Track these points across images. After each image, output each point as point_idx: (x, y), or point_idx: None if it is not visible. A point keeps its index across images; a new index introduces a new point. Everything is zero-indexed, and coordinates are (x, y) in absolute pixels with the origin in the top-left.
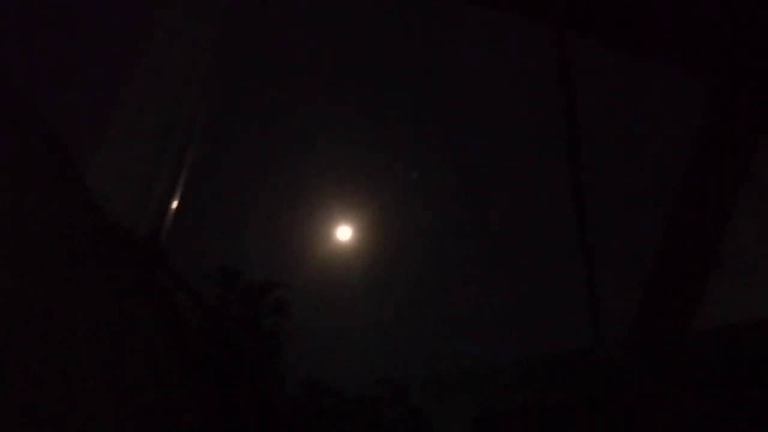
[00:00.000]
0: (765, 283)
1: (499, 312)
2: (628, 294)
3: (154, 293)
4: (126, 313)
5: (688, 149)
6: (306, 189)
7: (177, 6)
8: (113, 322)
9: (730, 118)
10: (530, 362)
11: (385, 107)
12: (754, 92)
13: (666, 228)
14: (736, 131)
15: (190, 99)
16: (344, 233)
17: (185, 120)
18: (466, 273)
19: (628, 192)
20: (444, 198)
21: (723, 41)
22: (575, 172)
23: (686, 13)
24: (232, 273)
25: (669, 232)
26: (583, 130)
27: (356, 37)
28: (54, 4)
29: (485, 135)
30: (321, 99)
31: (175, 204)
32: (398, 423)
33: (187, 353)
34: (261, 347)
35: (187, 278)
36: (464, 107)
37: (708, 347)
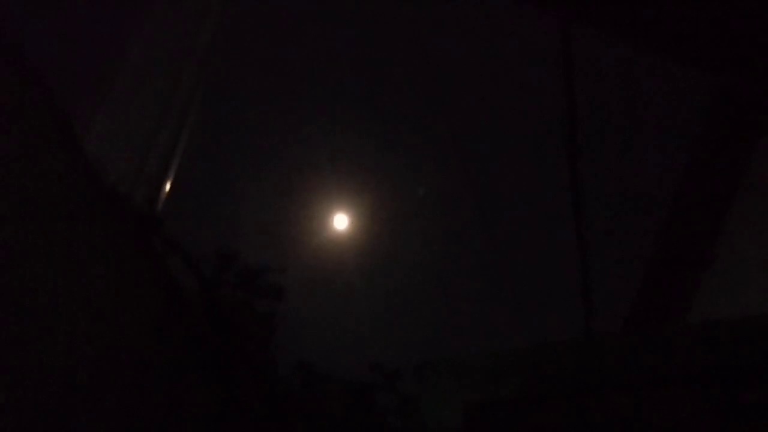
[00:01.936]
0: (760, 281)
1: (493, 300)
2: (623, 285)
3: (149, 258)
4: (121, 277)
5: (688, 146)
6: (304, 176)
7: None
8: (108, 284)
9: (730, 117)
10: (522, 351)
11: (382, 96)
12: (754, 92)
13: (664, 222)
14: (736, 130)
15: (190, 69)
16: (341, 221)
17: (184, 91)
18: (461, 261)
19: (626, 185)
20: (440, 187)
21: (725, 41)
22: (573, 163)
23: (691, 10)
24: (229, 255)
25: (667, 227)
26: (584, 124)
27: (354, 28)
28: None
29: (483, 124)
30: (320, 86)
31: (171, 174)
32: (389, 409)
33: (181, 320)
34: (255, 330)
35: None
36: (462, 96)
37: (701, 341)
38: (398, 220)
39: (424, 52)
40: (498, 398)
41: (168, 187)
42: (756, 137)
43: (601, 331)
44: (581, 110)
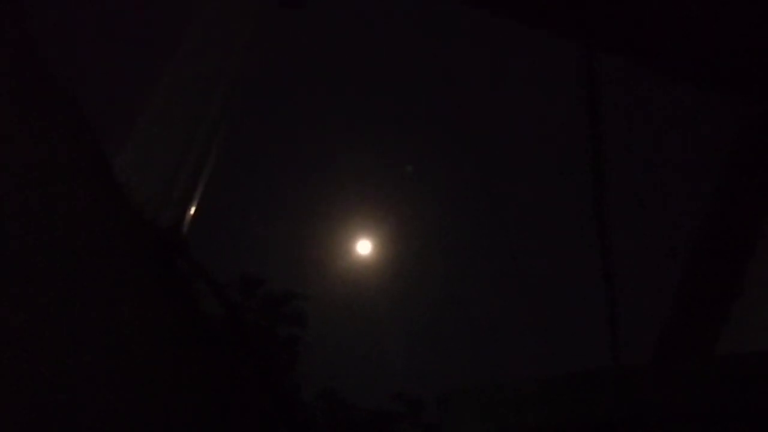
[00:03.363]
0: None
1: (518, 330)
2: (650, 316)
3: (174, 282)
4: (145, 300)
5: (716, 173)
6: (328, 203)
7: (210, 11)
8: (132, 308)
9: (759, 145)
10: (547, 381)
11: (408, 124)
12: None
13: (691, 252)
14: (765, 157)
15: (217, 99)
16: (364, 247)
17: (211, 117)
18: (486, 290)
19: (654, 214)
20: (465, 214)
21: (755, 66)
22: (598, 191)
23: (722, 38)
24: (253, 281)
25: (694, 257)
26: (608, 150)
27: (382, 53)
28: (95, 4)
29: (509, 152)
30: (345, 113)
31: (197, 199)
32: None
33: (205, 346)
34: (278, 356)
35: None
36: (490, 124)
37: (730, 373)
38: (422, 246)
39: (456, 79)
40: (521, 430)
41: (194, 211)
42: None
43: (628, 361)
44: (607, 135)
